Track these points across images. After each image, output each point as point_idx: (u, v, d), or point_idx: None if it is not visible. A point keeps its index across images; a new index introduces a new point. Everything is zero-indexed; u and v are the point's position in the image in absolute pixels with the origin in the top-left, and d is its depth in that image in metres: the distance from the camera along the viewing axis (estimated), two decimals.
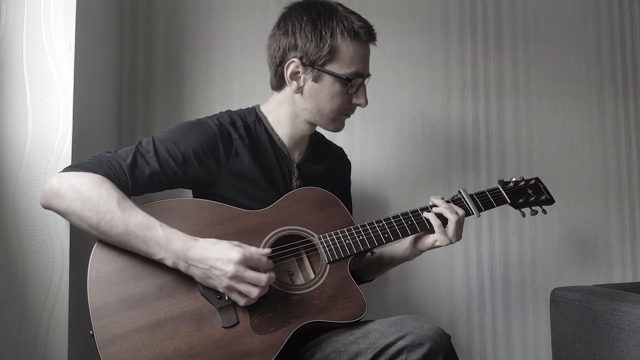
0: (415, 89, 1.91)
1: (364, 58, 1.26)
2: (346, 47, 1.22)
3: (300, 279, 1.21)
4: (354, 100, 1.28)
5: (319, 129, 1.41)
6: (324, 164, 1.41)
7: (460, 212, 1.28)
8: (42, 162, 1.25)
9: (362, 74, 1.26)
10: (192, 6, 1.79)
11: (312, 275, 1.20)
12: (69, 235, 1.25)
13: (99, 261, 1.07)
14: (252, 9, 1.82)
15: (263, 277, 1.04)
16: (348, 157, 1.56)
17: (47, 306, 1.23)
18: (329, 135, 1.48)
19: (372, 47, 1.29)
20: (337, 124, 1.31)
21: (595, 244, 1.99)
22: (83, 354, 1.33)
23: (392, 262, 1.41)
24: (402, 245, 1.37)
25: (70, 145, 1.26)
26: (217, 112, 1.32)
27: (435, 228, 1.26)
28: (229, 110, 1.32)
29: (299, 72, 1.24)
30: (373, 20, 1.30)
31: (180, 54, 1.78)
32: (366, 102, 1.29)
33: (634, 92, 2.07)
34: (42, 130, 1.25)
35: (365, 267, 1.43)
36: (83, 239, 1.30)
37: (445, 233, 1.25)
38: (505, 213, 1.92)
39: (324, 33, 1.21)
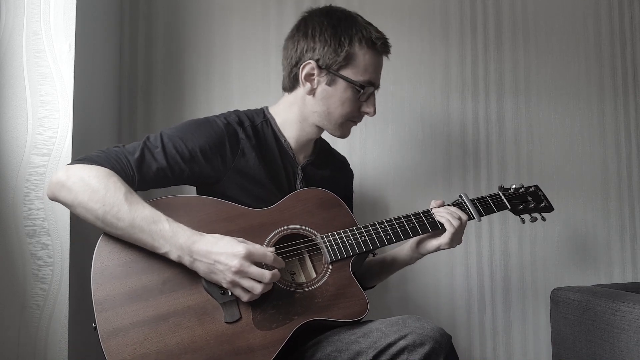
0: (415, 88, 1.91)
1: (377, 68, 1.30)
2: (362, 55, 1.25)
3: (302, 278, 1.22)
4: (363, 108, 1.31)
5: (325, 137, 1.43)
6: (328, 170, 1.42)
7: (464, 217, 1.30)
8: (42, 162, 1.25)
9: (374, 83, 1.29)
10: (192, 6, 1.79)
11: (314, 275, 1.20)
12: (69, 235, 1.25)
13: (104, 254, 1.07)
14: (252, 9, 1.82)
15: (267, 274, 1.04)
16: (349, 160, 1.57)
17: (47, 306, 1.23)
18: (331, 138, 1.48)
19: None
20: (343, 129, 1.33)
21: (595, 244, 1.99)
22: (83, 354, 1.33)
23: (394, 265, 1.41)
24: (403, 248, 1.38)
25: (70, 145, 1.26)
26: (217, 112, 1.33)
27: (448, 233, 1.27)
28: (237, 110, 1.33)
29: (313, 75, 1.27)
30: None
31: (180, 54, 1.78)
32: (375, 112, 1.32)
33: (634, 92, 2.07)
34: (42, 130, 1.25)
35: (368, 271, 1.43)
36: (83, 239, 1.30)
37: (450, 239, 1.27)
38: (505, 213, 1.92)
39: (342, 39, 1.24)
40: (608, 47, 2.06)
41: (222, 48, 1.80)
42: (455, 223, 1.27)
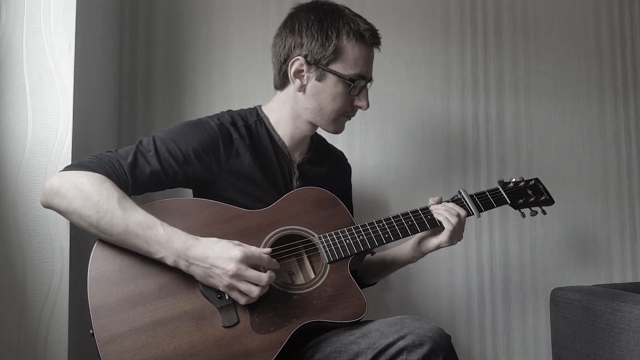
0: (415, 89, 1.91)
1: (368, 61, 1.28)
2: (351, 48, 1.24)
3: (300, 279, 1.21)
4: (356, 102, 1.29)
5: (322, 134, 1.42)
6: (325, 167, 1.41)
7: (462, 212, 1.29)
8: (42, 162, 1.25)
9: (365, 76, 1.27)
10: (192, 6, 1.79)
11: (312, 275, 1.20)
12: (69, 235, 1.25)
13: (99, 260, 1.07)
14: (252, 9, 1.82)
15: (264, 277, 1.04)
16: (348, 160, 1.57)
17: (47, 306, 1.23)
18: (329, 137, 1.48)
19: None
20: (337, 125, 1.32)
21: (595, 243, 1.99)
22: (83, 354, 1.33)
23: (395, 264, 1.41)
24: (404, 247, 1.38)
25: (70, 145, 1.26)
26: (217, 112, 1.32)
27: (447, 231, 1.26)
28: (230, 110, 1.32)
29: (303, 71, 1.25)
30: (373, 20, 1.31)
31: (180, 54, 1.78)
32: (367, 105, 1.30)
33: (634, 92, 2.07)
34: (42, 130, 1.25)
35: (368, 270, 1.43)
36: (83, 239, 1.30)
37: (450, 235, 1.26)
38: (505, 213, 1.92)
39: (330, 33, 1.23)
40: (608, 47, 2.06)
41: (222, 48, 1.80)
42: (454, 220, 1.26)
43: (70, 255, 1.25)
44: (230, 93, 1.79)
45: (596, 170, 2.01)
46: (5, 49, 1.26)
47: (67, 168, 1.10)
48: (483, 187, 1.91)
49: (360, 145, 1.85)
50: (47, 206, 1.09)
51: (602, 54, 2.05)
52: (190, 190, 1.32)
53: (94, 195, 1.04)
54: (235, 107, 1.37)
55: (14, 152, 1.24)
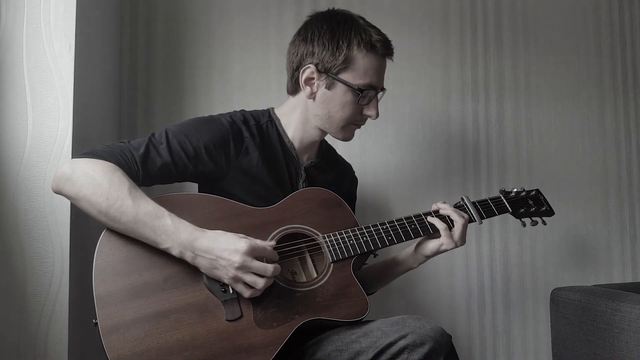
0: (415, 89, 1.91)
1: (379, 71, 1.29)
2: (361, 58, 1.25)
3: (302, 278, 1.22)
4: (365, 112, 1.30)
5: (333, 143, 1.44)
6: (331, 174, 1.43)
7: (466, 215, 1.30)
8: (42, 162, 1.25)
9: (375, 87, 1.28)
10: (192, 6, 1.79)
11: (315, 275, 1.21)
12: (69, 235, 1.25)
13: (106, 250, 1.08)
14: (252, 9, 1.82)
15: (269, 267, 1.05)
16: (348, 160, 1.57)
17: (47, 306, 1.23)
18: (331, 140, 1.48)
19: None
20: (346, 132, 1.33)
21: (595, 244, 1.99)
22: (83, 354, 1.33)
23: (396, 269, 1.41)
24: (406, 252, 1.38)
25: (70, 145, 1.26)
26: (217, 111, 1.34)
27: (442, 231, 1.27)
28: (243, 110, 1.34)
29: (313, 78, 1.27)
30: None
31: (180, 54, 1.78)
32: (377, 115, 1.31)
33: (634, 92, 2.07)
34: (42, 130, 1.25)
35: (369, 278, 1.43)
36: (83, 239, 1.30)
37: (451, 236, 1.27)
38: (505, 215, 1.92)
39: (340, 42, 1.24)
40: (608, 47, 2.06)
41: (222, 47, 1.80)
42: (460, 220, 1.27)
43: (70, 255, 1.25)
44: (230, 93, 1.79)
45: (596, 170, 2.02)
46: (5, 49, 1.26)
47: (80, 156, 1.11)
48: (483, 187, 1.92)
49: (360, 145, 1.85)
50: (58, 192, 1.10)
51: (602, 54, 2.06)
52: (195, 186, 1.32)
53: (105, 183, 1.05)
54: (235, 107, 1.37)
55: (14, 152, 1.24)
